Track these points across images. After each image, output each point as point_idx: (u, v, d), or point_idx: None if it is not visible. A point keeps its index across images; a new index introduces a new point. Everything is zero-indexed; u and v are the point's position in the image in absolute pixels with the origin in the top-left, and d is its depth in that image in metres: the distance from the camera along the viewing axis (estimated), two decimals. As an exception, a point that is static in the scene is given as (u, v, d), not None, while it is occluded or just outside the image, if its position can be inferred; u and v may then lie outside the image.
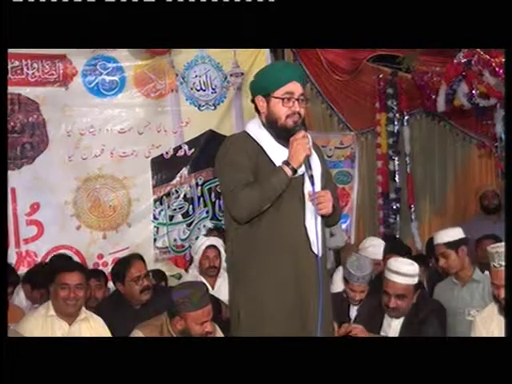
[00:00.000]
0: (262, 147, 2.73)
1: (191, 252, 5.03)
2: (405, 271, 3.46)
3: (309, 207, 2.69)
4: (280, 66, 3.03)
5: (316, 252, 2.70)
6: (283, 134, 2.70)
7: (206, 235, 5.04)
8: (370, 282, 3.88)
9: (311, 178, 2.66)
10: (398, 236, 6.20)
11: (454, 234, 4.06)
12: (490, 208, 5.97)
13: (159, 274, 4.71)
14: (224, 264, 4.60)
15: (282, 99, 2.69)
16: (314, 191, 2.66)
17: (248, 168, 2.68)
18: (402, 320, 3.51)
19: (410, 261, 3.63)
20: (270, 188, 2.63)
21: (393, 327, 3.52)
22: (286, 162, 2.65)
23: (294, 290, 2.68)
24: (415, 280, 3.49)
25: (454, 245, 3.93)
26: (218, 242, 4.74)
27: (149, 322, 3.33)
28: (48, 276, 4.12)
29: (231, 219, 2.73)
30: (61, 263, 4.09)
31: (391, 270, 3.49)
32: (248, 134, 2.79)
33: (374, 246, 4.65)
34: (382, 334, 3.51)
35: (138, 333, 3.26)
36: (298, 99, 2.70)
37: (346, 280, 3.90)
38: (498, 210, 5.86)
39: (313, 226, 2.68)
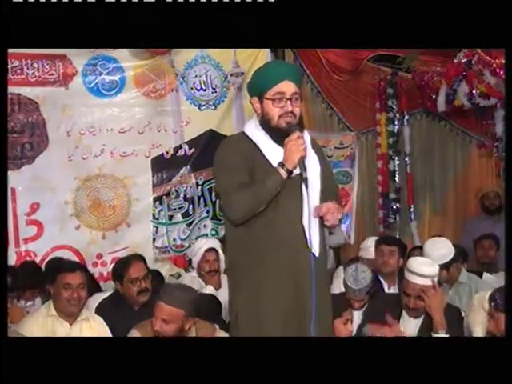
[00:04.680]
0: (258, 147, 2.73)
1: (188, 254, 4.99)
2: (426, 273, 3.42)
3: (306, 206, 2.68)
4: (271, 66, 3.00)
5: (314, 251, 2.69)
6: (277, 135, 2.70)
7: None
8: (368, 292, 3.88)
9: (305, 180, 2.65)
10: (397, 236, 6.19)
11: (447, 252, 4.03)
12: (492, 209, 5.99)
13: (157, 275, 4.68)
14: (223, 266, 4.61)
15: (273, 100, 2.68)
16: (308, 197, 2.65)
17: (243, 169, 2.68)
18: (420, 320, 3.48)
19: (429, 261, 3.60)
20: (264, 190, 2.62)
21: (409, 327, 3.49)
22: (281, 164, 2.64)
23: (292, 290, 2.68)
24: (435, 281, 3.46)
25: (445, 265, 3.90)
26: (216, 243, 4.72)
27: (145, 322, 3.34)
28: (40, 275, 4.13)
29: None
30: (61, 264, 4.07)
31: (412, 272, 3.44)
32: (245, 134, 2.79)
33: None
34: None
35: (135, 332, 3.28)
36: (290, 98, 2.68)
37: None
38: (499, 211, 5.87)
39: (311, 225, 2.68)
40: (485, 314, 3.36)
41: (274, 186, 2.63)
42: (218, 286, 4.45)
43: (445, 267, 3.87)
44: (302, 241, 2.68)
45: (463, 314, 3.69)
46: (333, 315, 3.27)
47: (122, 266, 3.97)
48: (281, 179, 2.63)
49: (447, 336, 3.34)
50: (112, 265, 4.57)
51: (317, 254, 2.70)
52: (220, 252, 4.61)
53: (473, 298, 3.75)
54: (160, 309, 3.19)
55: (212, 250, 4.59)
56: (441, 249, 4.09)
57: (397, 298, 3.64)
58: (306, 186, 2.65)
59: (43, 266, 4.70)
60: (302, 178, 2.65)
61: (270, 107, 2.70)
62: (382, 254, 4.39)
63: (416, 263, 3.50)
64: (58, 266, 3.84)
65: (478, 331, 3.44)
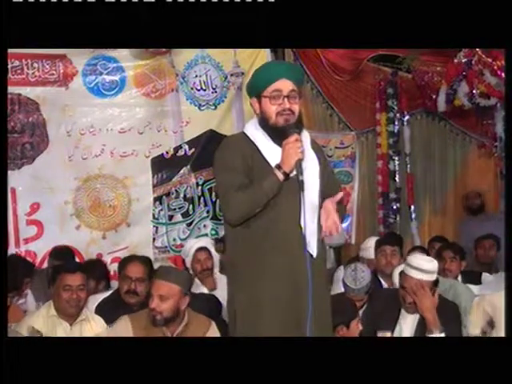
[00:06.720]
0: (257, 147, 2.73)
1: (182, 255, 5.00)
2: (425, 268, 3.45)
3: (303, 208, 2.68)
4: (268, 66, 3.01)
5: (311, 252, 2.69)
6: (276, 133, 2.69)
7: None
8: (367, 292, 3.88)
9: (301, 183, 2.64)
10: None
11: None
12: (473, 208, 6.07)
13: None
14: (217, 264, 4.60)
15: (270, 97, 2.68)
16: (304, 199, 2.64)
17: (242, 170, 2.68)
18: (417, 316, 3.48)
19: (429, 257, 3.66)
20: (261, 192, 2.62)
21: (408, 323, 3.51)
22: (278, 166, 2.64)
23: (289, 290, 2.67)
24: (434, 277, 3.48)
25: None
26: (207, 242, 4.71)
27: (139, 313, 3.40)
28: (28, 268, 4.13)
29: None
30: (63, 264, 4.07)
31: (411, 266, 3.47)
32: (245, 135, 2.79)
33: (375, 246, 4.66)
34: (397, 328, 3.51)
35: (125, 319, 3.31)
36: (287, 96, 2.67)
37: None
38: (481, 210, 5.96)
39: (308, 226, 2.67)
40: (484, 318, 3.38)
41: (271, 189, 2.63)
42: (213, 287, 4.41)
43: None
44: (299, 241, 2.68)
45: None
46: (349, 316, 3.31)
47: (123, 261, 4.03)
48: (278, 181, 2.63)
49: (442, 336, 3.35)
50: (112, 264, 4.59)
51: (314, 255, 2.70)
52: (212, 251, 4.59)
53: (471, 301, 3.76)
54: (157, 286, 3.26)
55: (202, 249, 4.57)
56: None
57: (396, 296, 3.65)
58: (302, 190, 2.65)
59: (48, 258, 4.73)
60: (298, 181, 2.64)
61: (267, 105, 2.70)
62: (385, 255, 4.40)
63: (416, 259, 3.55)
64: (59, 265, 3.86)
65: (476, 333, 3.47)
